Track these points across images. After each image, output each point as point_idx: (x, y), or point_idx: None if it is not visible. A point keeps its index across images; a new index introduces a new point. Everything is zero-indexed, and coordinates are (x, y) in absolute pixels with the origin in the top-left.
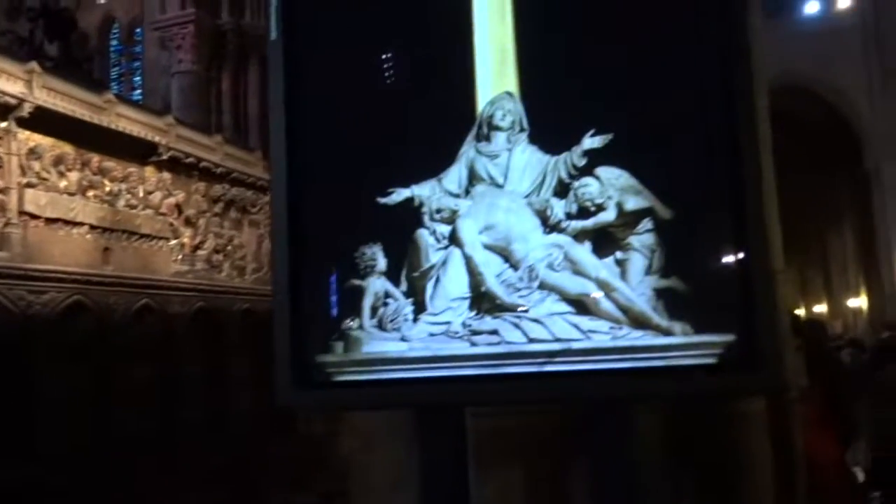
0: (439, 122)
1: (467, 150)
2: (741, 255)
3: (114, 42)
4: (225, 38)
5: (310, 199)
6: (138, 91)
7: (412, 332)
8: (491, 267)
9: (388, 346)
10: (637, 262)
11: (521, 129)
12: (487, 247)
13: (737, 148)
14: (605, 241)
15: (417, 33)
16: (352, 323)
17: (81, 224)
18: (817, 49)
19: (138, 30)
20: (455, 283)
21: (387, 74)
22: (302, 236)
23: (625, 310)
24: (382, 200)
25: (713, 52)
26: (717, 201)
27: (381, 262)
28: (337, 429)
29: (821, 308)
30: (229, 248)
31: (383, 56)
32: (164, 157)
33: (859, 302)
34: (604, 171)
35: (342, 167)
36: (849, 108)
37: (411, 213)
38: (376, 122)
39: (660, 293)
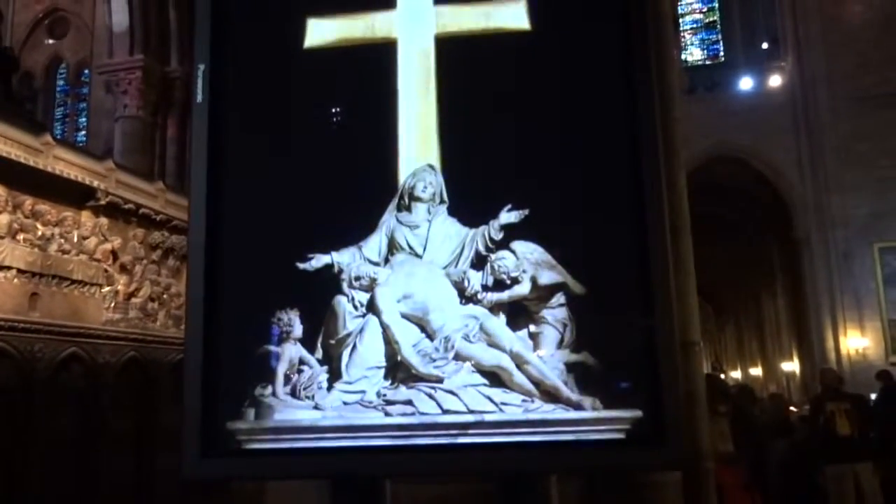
0: (362, 190)
1: (388, 220)
2: (649, 333)
3: (60, 82)
4: (172, 85)
5: (228, 261)
6: (83, 132)
7: (326, 400)
8: (407, 336)
9: (300, 414)
10: (550, 335)
11: (442, 201)
12: (405, 316)
13: (644, 226)
14: (519, 314)
15: (343, 105)
16: (264, 390)
17: (9, 268)
18: (751, 123)
19: (86, 71)
20: (371, 351)
21: (311, 142)
22: (218, 299)
23: (537, 383)
24: (302, 266)
25: (623, 137)
26: (628, 278)
27: (298, 328)
28: (265, 486)
29: (756, 371)
30: (165, 296)
31: (308, 124)
32: (103, 202)
33: (793, 366)
34: (519, 246)
35: (263, 231)
36: (781, 179)
37: (330, 280)
38: (299, 187)
39: (571, 367)
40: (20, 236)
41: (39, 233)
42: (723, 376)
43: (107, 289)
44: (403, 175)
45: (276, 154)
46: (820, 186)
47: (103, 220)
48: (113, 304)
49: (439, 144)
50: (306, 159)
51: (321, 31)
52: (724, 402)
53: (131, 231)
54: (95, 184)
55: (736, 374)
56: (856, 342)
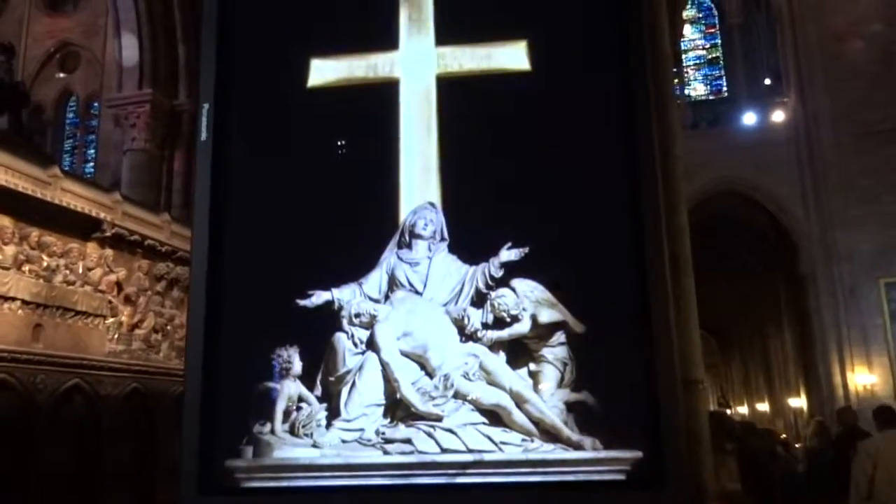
0: (363, 227)
1: (389, 257)
2: (649, 372)
3: (70, 115)
4: (180, 119)
5: (229, 297)
6: (91, 164)
7: (324, 438)
8: (407, 374)
9: (299, 452)
10: (549, 374)
11: (442, 239)
12: (404, 353)
13: (644, 265)
14: (519, 352)
15: (345, 143)
16: (263, 427)
17: (14, 299)
18: (755, 158)
19: (95, 104)
20: (370, 389)
21: (313, 180)
22: (219, 335)
23: (536, 422)
24: (302, 302)
25: (623, 176)
26: (628, 317)
27: (297, 365)
28: None
29: (763, 406)
30: (169, 327)
31: (310, 162)
32: (108, 233)
33: (800, 402)
34: (519, 284)
35: (264, 267)
36: (785, 214)
37: (330, 317)
38: (300, 224)
39: (571, 407)
40: (26, 267)
41: (45, 264)
42: (729, 411)
43: (110, 320)
44: (404, 212)
45: (277, 191)
46: (825, 221)
47: (109, 252)
48: (116, 336)
49: (440, 182)
50: (308, 197)
51: (324, 72)
52: (731, 439)
53: (136, 262)
54: (102, 215)
55: (743, 410)
56: (863, 378)
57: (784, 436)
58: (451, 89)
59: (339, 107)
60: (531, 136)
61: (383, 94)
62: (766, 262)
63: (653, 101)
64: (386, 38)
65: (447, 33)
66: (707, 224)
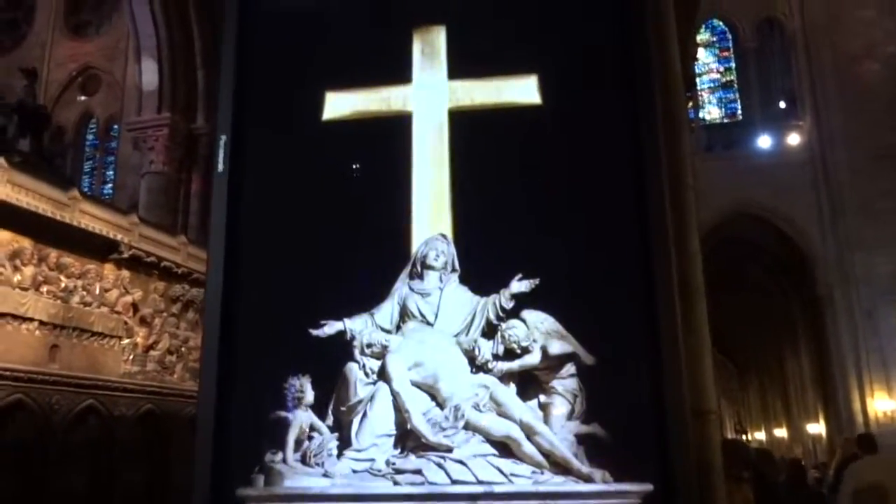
0: (375, 258)
1: (401, 287)
2: (659, 404)
3: (90, 137)
4: (197, 142)
5: (243, 326)
6: (109, 185)
7: (336, 467)
8: (418, 404)
9: (310, 481)
10: (560, 406)
11: (453, 270)
12: (415, 384)
13: (654, 296)
14: (529, 383)
15: (358, 174)
16: (275, 456)
17: (31, 320)
18: (770, 180)
19: (115, 126)
20: (381, 419)
21: (327, 210)
22: (232, 364)
23: (547, 454)
24: (315, 332)
25: (632, 208)
26: (638, 349)
27: (309, 395)
28: None
29: (781, 432)
30: (183, 349)
31: (324, 192)
32: (126, 255)
33: (819, 428)
34: (530, 315)
35: (277, 297)
36: (801, 236)
37: (342, 347)
38: (314, 254)
39: (581, 439)
40: (44, 288)
41: (63, 285)
42: (746, 437)
43: (126, 341)
44: (416, 244)
45: (291, 221)
46: (841, 243)
47: (125, 273)
48: (131, 357)
49: (452, 214)
50: (321, 227)
51: (339, 104)
52: (747, 468)
53: (152, 284)
54: (119, 237)
55: (760, 436)
56: (883, 404)
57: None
58: (463, 122)
59: (354, 139)
60: (541, 168)
61: (396, 127)
62: (782, 284)
63: (662, 135)
64: (399, 72)
65: (459, 68)
66: (723, 247)
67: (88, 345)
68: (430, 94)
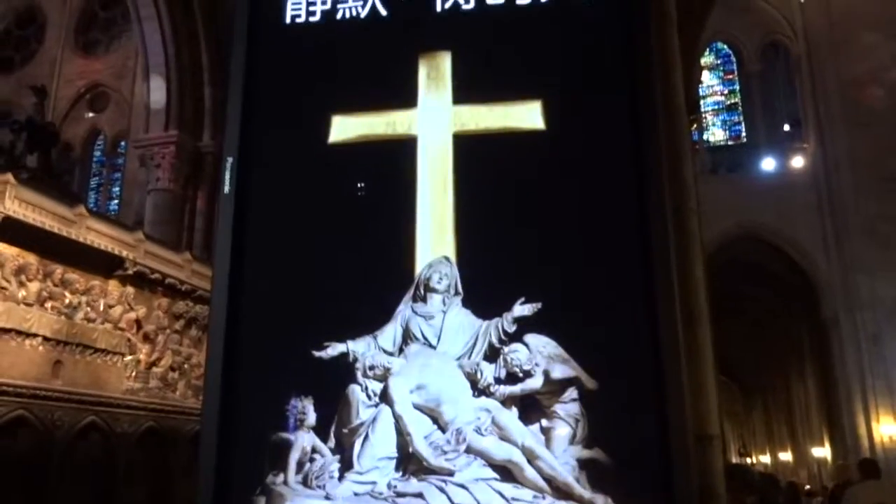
0: (378, 280)
1: (404, 310)
2: (662, 429)
3: (97, 153)
4: (204, 160)
5: (246, 348)
6: (115, 201)
7: (337, 490)
8: (420, 427)
9: (311, 503)
10: (562, 430)
11: (456, 293)
12: (417, 406)
13: (656, 322)
14: (531, 408)
15: (363, 197)
16: (276, 477)
17: (35, 335)
18: (775, 203)
19: (122, 143)
20: (383, 442)
21: (331, 232)
22: (235, 385)
23: (548, 479)
24: (318, 354)
25: (635, 233)
26: (640, 373)
27: (312, 416)
28: None
29: (786, 456)
30: (186, 366)
31: (329, 214)
32: (130, 271)
33: (824, 451)
34: (532, 339)
35: (280, 318)
36: (806, 260)
37: (345, 369)
38: (317, 276)
39: (583, 464)
40: (48, 304)
41: (67, 301)
42: (750, 461)
43: (129, 358)
44: (419, 266)
45: (296, 243)
46: (846, 267)
47: (130, 290)
48: (134, 374)
49: (455, 237)
50: (325, 249)
51: (345, 128)
52: (752, 492)
53: (156, 300)
54: (124, 254)
55: (765, 459)
56: (889, 429)
57: (808, 486)
58: (468, 146)
59: (359, 162)
60: (544, 193)
61: (401, 151)
62: (787, 307)
63: (665, 162)
64: (405, 97)
65: (464, 92)
66: (728, 269)
67: (91, 361)
68: (434, 118)
